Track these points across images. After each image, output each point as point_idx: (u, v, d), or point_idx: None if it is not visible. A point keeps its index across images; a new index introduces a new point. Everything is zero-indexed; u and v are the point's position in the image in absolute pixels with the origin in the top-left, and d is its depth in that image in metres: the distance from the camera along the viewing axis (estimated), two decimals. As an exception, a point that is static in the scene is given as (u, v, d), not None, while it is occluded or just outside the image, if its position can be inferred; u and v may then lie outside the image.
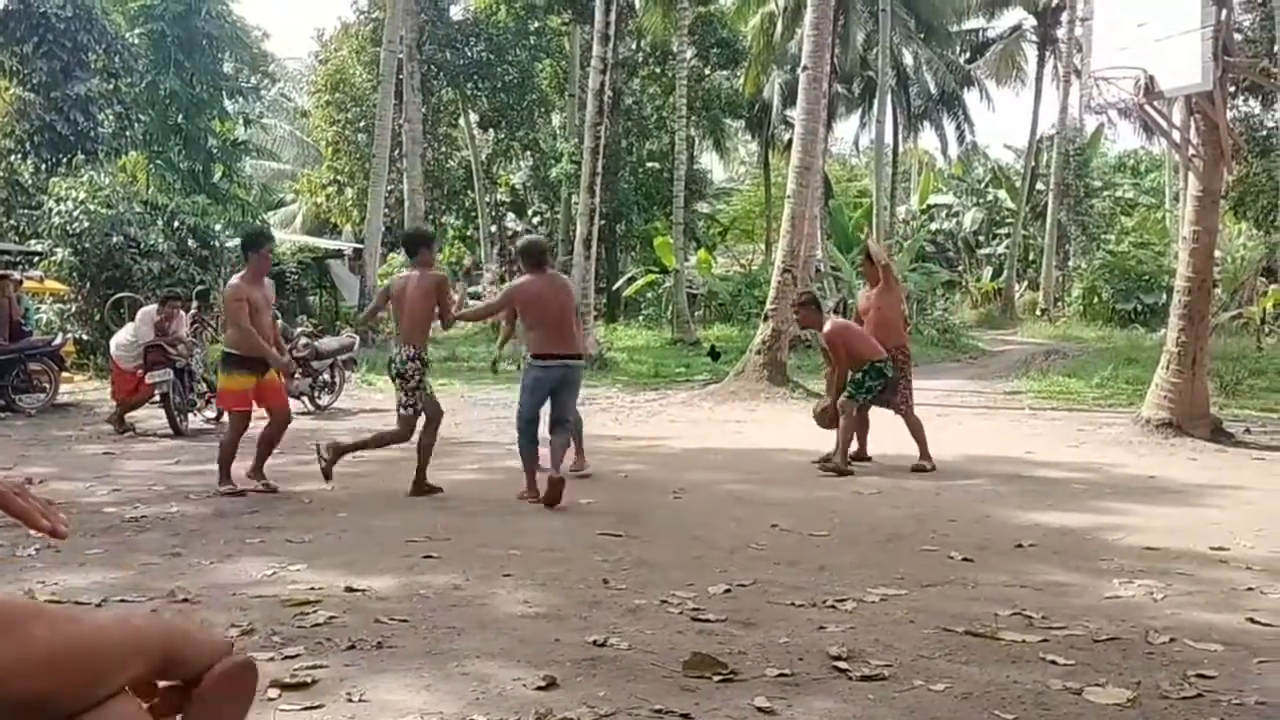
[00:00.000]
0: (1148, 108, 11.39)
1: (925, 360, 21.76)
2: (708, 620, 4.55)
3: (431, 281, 7.88)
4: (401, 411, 7.97)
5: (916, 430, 9.39)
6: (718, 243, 42.79)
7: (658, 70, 35.74)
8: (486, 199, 37.66)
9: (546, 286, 7.85)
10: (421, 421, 7.97)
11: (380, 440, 8.15)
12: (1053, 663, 4.02)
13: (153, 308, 12.04)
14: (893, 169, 41.11)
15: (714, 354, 23.07)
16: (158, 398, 11.51)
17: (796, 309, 10.05)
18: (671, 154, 31.73)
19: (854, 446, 9.59)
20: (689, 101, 30.95)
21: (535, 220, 40.40)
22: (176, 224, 19.58)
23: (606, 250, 34.34)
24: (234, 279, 8.10)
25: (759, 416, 13.91)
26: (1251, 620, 4.63)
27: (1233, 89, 22.57)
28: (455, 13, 35.39)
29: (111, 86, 23.38)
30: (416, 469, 7.82)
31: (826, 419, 9.52)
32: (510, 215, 41.43)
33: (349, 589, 5.00)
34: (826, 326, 9.44)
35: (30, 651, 0.96)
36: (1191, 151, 11.31)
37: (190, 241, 19.77)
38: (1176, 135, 11.84)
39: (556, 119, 39.48)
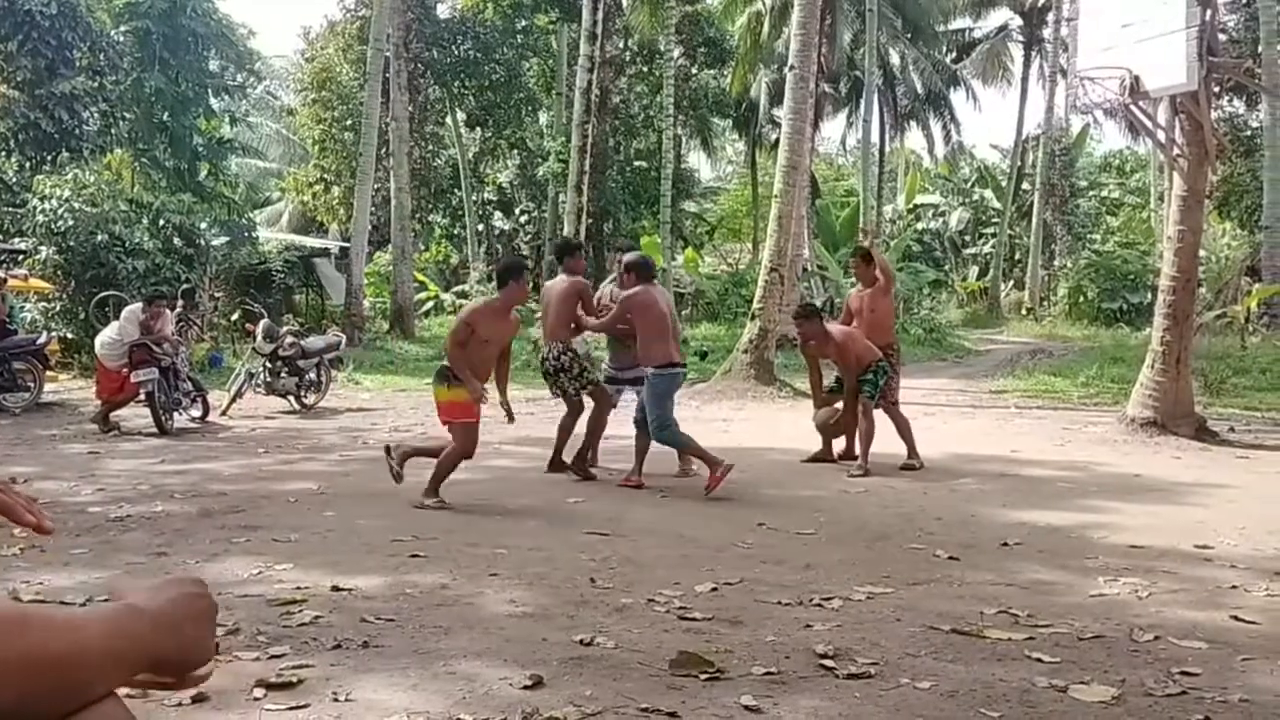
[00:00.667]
0: (1133, 107, 11.42)
1: (912, 359, 21.81)
2: (694, 619, 4.55)
3: (573, 286, 8.68)
4: (572, 396, 8.80)
5: (904, 428, 9.41)
6: (705, 242, 42.87)
7: (645, 69, 35.73)
8: (474, 197, 37.65)
9: (661, 297, 8.42)
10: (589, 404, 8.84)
11: (565, 430, 8.97)
12: (1038, 660, 4.04)
13: (138, 306, 11.98)
14: (879, 168, 41.25)
15: (701, 354, 23.05)
16: (143, 397, 11.46)
17: (799, 323, 9.66)
18: (659, 153, 31.76)
19: (840, 444, 9.63)
20: (676, 100, 30.97)
21: (523, 219, 40.38)
22: (162, 222, 19.51)
23: (594, 249, 34.30)
24: (480, 302, 8.66)
25: (746, 415, 13.93)
26: (1235, 618, 4.66)
27: (1217, 89, 22.67)
28: (442, 11, 35.32)
29: (96, 84, 23.23)
30: (580, 450, 8.73)
31: (833, 429, 9.54)
32: (497, 214, 41.42)
33: (335, 588, 4.99)
34: (836, 336, 9.32)
35: (7, 658, 0.95)
36: (1176, 151, 11.36)
37: (176, 240, 19.71)
38: (1161, 135, 11.89)
39: (544, 117, 39.47)
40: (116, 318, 12.29)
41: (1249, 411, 14.10)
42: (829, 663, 3.98)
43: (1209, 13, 10.67)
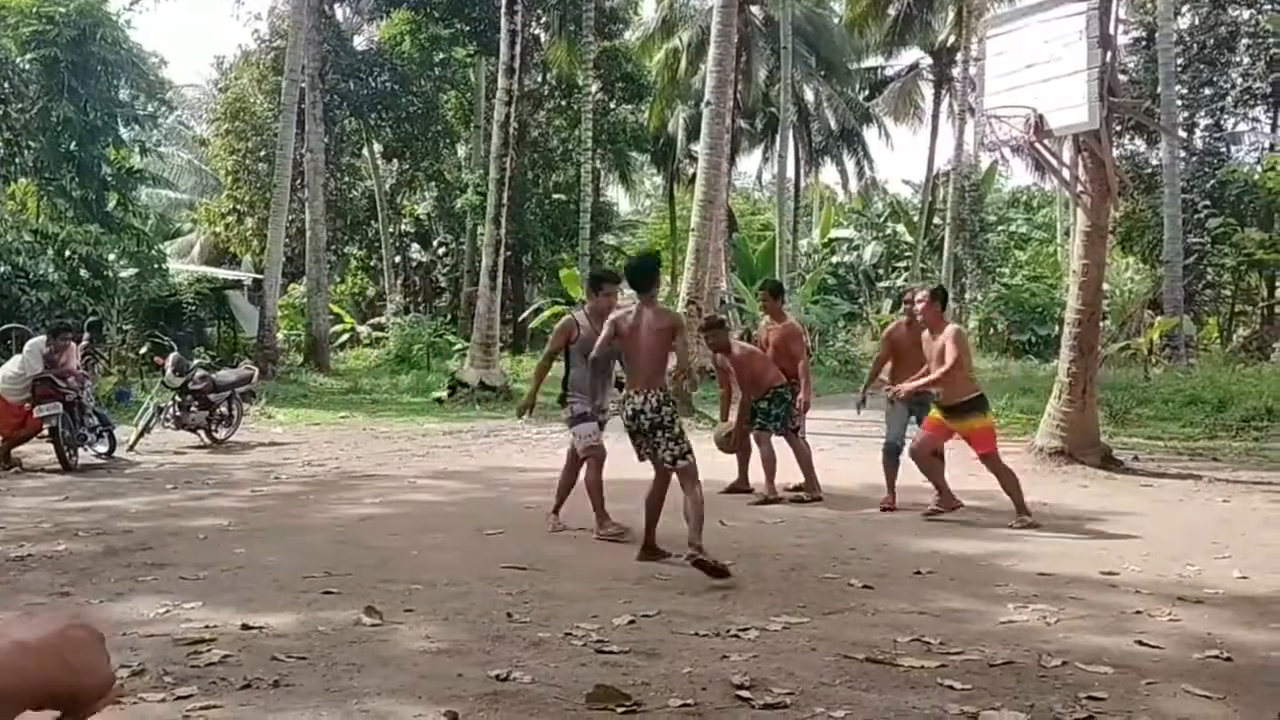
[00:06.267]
0: (1038, 145, 11.75)
1: (827, 391, 22.03)
2: (611, 652, 4.54)
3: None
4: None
5: (803, 458, 9.47)
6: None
7: (564, 103, 35.92)
8: (390, 229, 37.37)
9: None
10: None
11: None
12: (950, 687, 4.09)
13: (41, 339, 11.63)
14: (795, 203, 41.81)
15: (620, 385, 23.11)
16: (46, 432, 11.13)
17: (707, 332, 9.87)
18: (577, 186, 31.86)
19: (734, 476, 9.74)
20: (595, 134, 31.12)
21: (440, 251, 40.17)
22: (68, 253, 19.06)
23: (513, 281, 34.27)
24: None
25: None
26: (1140, 643, 4.77)
27: (1118, 128, 23.45)
28: (359, 43, 35.17)
29: (0, 112, 22.69)
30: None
31: (730, 444, 9.61)
32: (415, 246, 41.15)
33: (245, 626, 4.89)
34: (735, 350, 9.54)
35: None
36: (1080, 188, 11.69)
37: (82, 271, 19.26)
38: (1066, 172, 12.23)
39: (462, 150, 39.40)
40: (19, 351, 11.93)
41: (1152, 441, 14.48)
42: (745, 693, 3.99)
43: (1109, 55, 11.04)
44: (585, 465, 7.60)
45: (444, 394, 21.15)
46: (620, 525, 7.38)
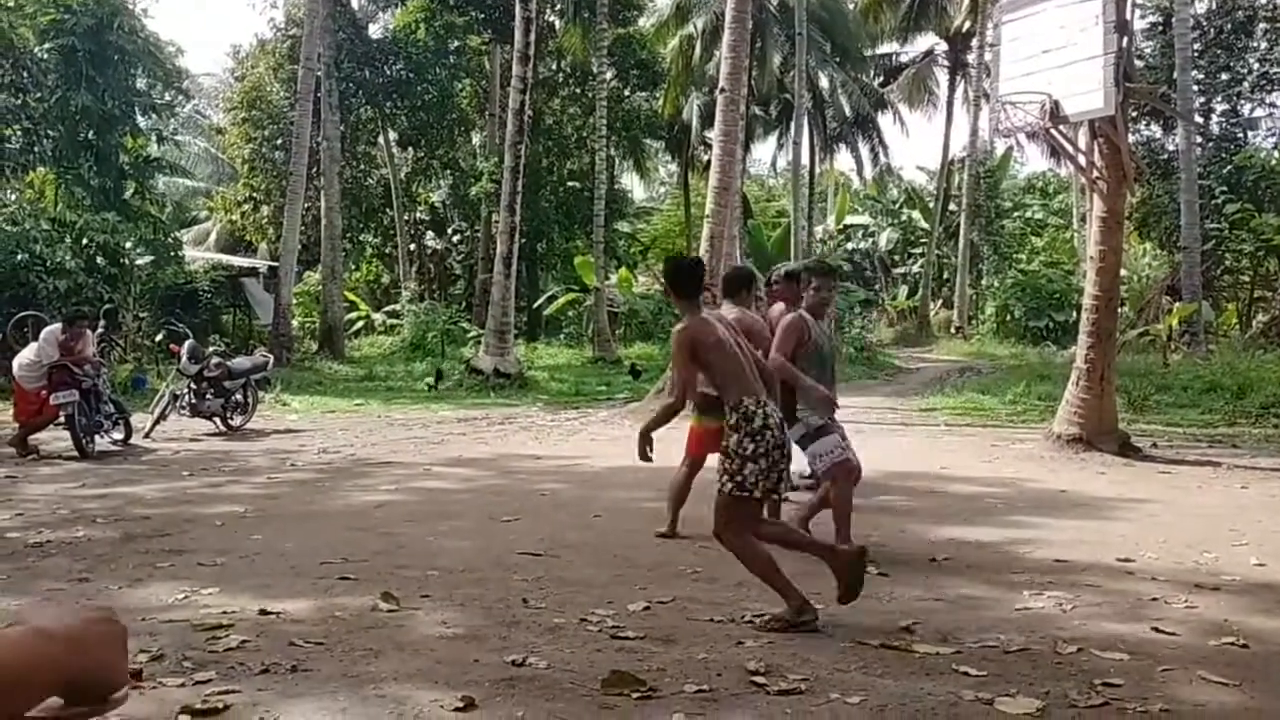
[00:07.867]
0: (1054, 131, 11.69)
1: (843, 377, 21.92)
2: (627, 638, 4.55)
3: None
4: None
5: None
6: (638, 261, 42.94)
7: (578, 90, 35.83)
8: (405, 217, 37.39)
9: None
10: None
11: None
12: (965, 674, 4.09)
13: (57, 327, 11.67)
14: (810, 190, 41.64)
15: (635, 372, 23.13)
16: (63, 419, 11.19)
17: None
18: (592, 173, 31.79)
19: None
20: (609, 122, 31.04)
21: (455, 238, 40.17)
22: (85, 241, 19.13)
23: (527, 269, 34.25)
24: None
25: (679, 435, 13.88)
26: (1156, 630, 4.76)
27: (1134, 114, 23.29)
28: (374, 31, 35.14)
29: (19, 102, 22.75)
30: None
31: None
32: (430, 233, 41.16)
33: (263, 612, 4.92)
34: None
35: None
36: (1096, 174, 11.62)
37: (99, 259, 19.33)
38: (1081, 158, 12.17)
39: (476, 138, 39.36)
40: (36, 338, 11.99)
41: (1170, 428, 14.41)
42: (760, 679, 4.00)
43: (1125, 40, 10.96)
44: (832, 484, 6.57)
45: (431, 380, 21.32)
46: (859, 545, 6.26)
